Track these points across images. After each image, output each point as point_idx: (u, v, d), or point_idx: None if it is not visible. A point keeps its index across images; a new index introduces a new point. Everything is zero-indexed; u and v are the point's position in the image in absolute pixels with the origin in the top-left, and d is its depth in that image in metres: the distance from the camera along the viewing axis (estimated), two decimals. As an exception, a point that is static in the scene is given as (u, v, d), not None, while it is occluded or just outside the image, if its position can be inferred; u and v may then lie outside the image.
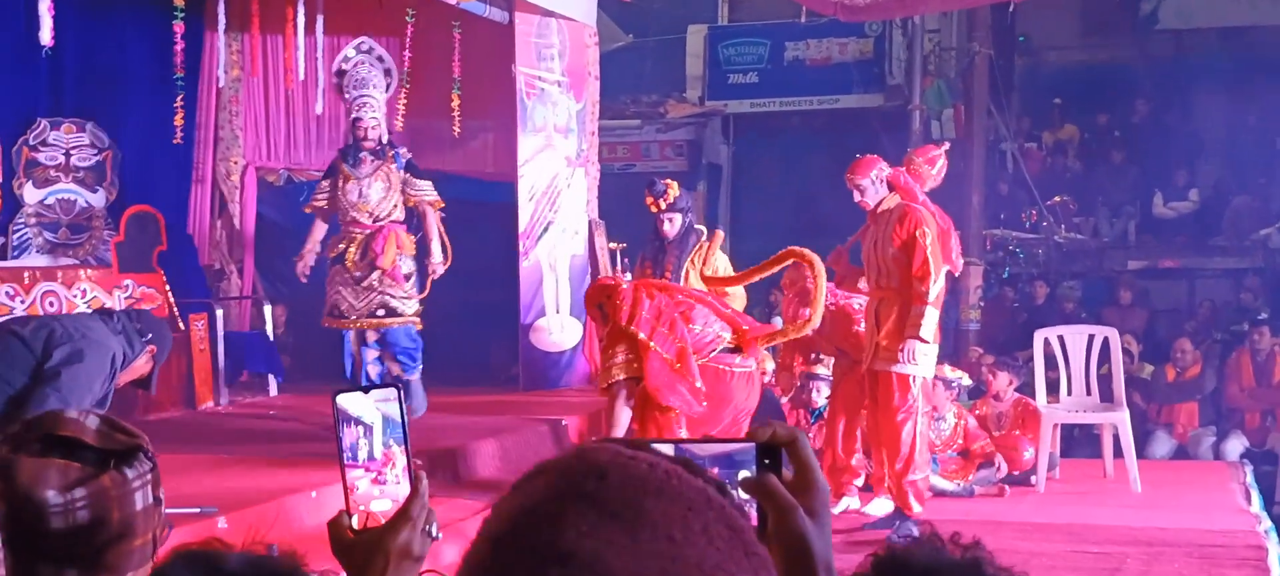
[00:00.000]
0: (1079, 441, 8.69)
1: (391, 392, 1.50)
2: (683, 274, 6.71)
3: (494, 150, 9.42)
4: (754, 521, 0.97)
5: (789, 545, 0.99)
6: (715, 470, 1.02)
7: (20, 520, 1.70)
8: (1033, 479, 7.32)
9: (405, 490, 1.47)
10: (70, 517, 1.68)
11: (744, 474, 1.02)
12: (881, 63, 13.74)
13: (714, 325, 5.94)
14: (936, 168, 6.32)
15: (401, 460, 1.49)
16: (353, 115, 7.20)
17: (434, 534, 1.48)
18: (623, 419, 5.79)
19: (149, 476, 1.76)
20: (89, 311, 6.39)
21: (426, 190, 7.11)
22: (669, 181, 6.93)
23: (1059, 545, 6.04)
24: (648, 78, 13.99)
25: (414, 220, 7.20)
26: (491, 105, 9.15)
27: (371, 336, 7.17)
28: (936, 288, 5.95)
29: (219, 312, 8.27)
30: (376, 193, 6.98)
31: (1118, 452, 7.42)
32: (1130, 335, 10.01)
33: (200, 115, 8.98)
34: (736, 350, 5.95)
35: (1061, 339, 7.68)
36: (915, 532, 5.61)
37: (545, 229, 8.96)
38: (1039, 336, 7.78)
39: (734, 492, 0.96)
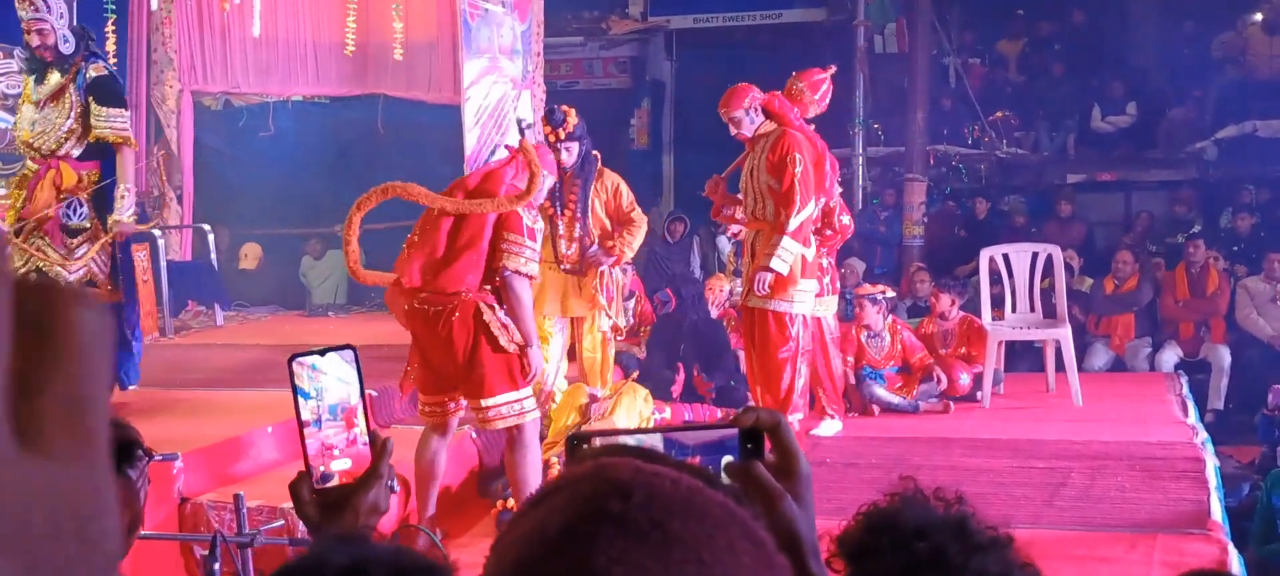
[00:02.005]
0: (1021, 355, 8.85)
1: (348, 353, 1.50)
2: (589, 204, 6.55)
3: (437, 73, 9.28)
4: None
5: (777, 532, 0.98)
6: (698, 459, 1.03)
7: None
8: (978, 394, 7.47)
9: (364, 448, 1.49)
10: None
11: (728, 459, 1.03)
12: (824, -24, 13.64)
13: None
14: (819, 93, 6.18)
15: (360, 419, 1.50)
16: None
17: (395, 488, 1.54)
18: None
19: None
20: None
21: (114, 120, 5.46)
22: (567, 108, 6.39)
23: (1005, 460, 6.20)
24: (590, -8, 13.79)
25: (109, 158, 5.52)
26: (435, 27, 8.99)
27: None
28: (800, 218, 5.81)
29: (160, 241, 8.13)
30: (48, 120, 5.43)
31: (1060, 367, 7.59)
32: (1071, 249, 10.16)
33: (132, 38, 8.74)
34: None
35: (1006, 257, 7.80)
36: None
37: (492, 152, 8.85)
38: (985, 255, 7.89)
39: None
